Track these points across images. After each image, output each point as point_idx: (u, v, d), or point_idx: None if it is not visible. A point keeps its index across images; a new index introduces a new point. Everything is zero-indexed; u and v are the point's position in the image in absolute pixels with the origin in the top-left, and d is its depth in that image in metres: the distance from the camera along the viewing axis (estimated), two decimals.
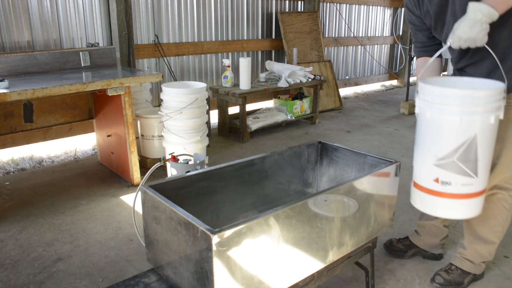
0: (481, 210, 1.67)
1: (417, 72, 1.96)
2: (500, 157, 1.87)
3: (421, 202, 1.69)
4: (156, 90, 4.41)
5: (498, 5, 1.50)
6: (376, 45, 7.48)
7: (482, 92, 1.47)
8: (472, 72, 1.82)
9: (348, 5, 6.69)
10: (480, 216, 1.88)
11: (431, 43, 1.95)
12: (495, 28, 1.62)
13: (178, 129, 3.11)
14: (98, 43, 3.72)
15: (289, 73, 4.62)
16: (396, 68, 8.04)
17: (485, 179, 1.61)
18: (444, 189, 1.59)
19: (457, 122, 1.49)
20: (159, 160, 3.40)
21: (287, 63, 5.26)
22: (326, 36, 6.41)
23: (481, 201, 1.64)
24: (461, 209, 1.62)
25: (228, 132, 4.52)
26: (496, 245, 2.02)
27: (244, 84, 4.31)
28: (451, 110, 1.49)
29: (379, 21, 7.41)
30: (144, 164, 3.53)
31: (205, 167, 2.27)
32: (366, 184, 1.62)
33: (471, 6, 1.51)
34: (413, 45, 2.08)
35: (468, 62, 1.83)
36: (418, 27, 1.93)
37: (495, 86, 1.54)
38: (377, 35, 7.44)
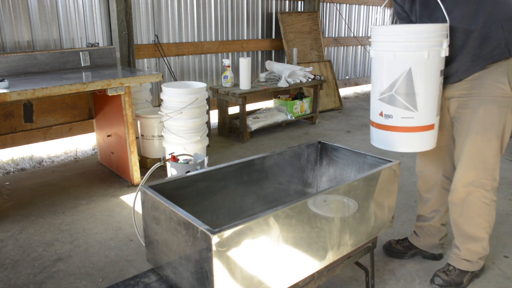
0: (433, 145, 1.81)
1: None
2: (464, 151, 1.89)
3: (375, 138, 1.86)
4: (156, 90, 4.41)
5: None
6: None
7: (414, 27, 1.63)
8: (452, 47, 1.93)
9: (348, 5, 6.69)
10: (464, 216, 1.96)
11: None
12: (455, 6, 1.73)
13: (178, 129, 3.11)
14: (98, 43, 3.72)
15: (289, 73, 4.62)
16: None
17: (428, 114, 1.71)
18: (387, 122, 1.74)
19: (391, 56, 1.64)
20: (159, 160, 3.40)
21: (287, 63, 5.26)
22: (326, 36, 6.41)
23: (429, 136, 1.75)
24: (407, 142, 1.76)
25: (228, 132, 4.52)
26: (487, 239, 2.02)
27: (244, 84, 4.31)
28: (387, 46, 1.65)
29: (379, 21, 7.41)
30: (144, 164, 3.53)
31: (205, 167, 2.27)
32: (366, 184, 1.62)
33: None
34: None
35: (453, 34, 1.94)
36: (400, 15, 2.05)
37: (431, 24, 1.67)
38: None
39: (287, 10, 5.65)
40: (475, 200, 1.92)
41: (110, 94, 2.88)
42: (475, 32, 1.76)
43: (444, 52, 1.65)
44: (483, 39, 1.76)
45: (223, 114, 4.53)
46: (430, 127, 1.74)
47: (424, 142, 1.78)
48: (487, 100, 1.81)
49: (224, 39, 4.98)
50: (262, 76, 4.83)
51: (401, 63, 1.64)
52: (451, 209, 2.02)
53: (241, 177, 1.82)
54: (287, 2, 5.64)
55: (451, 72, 1.88)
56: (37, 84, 2.63)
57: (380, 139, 1.84)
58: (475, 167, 1.88)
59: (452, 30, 1.78)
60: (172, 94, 3.07)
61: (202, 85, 3.26)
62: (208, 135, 3.37)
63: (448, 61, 1.85)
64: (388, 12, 7.55)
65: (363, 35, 7.16)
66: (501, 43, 1.75)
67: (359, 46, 7.08)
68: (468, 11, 1.76)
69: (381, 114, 1.75)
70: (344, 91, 7.05)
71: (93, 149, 4.02)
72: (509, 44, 1.76)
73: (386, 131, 1.77)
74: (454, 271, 2.06)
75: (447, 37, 1.66)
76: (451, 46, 1.80)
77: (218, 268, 1.17)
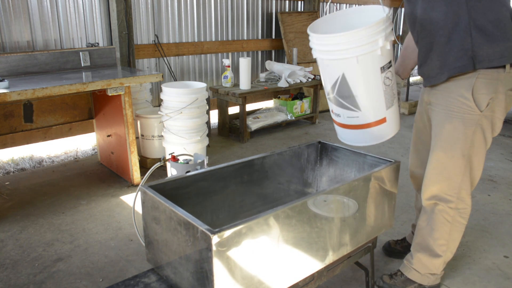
0: (391, 134, 1.75)
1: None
2: (430, 164, 1.84)
3: (338, 133, 1.86)
4: (156, 90, 4.41)
5: None
6: None
7: (343, 36, 1.49)
8: (419, 50, 1.86)
9: (348, 5, 6.69)
10: (429, 226, 1.91)
11: None
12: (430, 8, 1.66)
13: (178, 129, 3.11)
14: (98, 43, 3.72)
15: (289, 73, 4.62)
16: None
17: (373, 111, 1.66)
18: (338, 119, 1.75)
19: (325, 62, 1.60)
20: (159, 160, 3.40)
21: (287, 63, 5.26)
22: None
23: (382, 129, 1.71)
24: (360, 137, 1.75)
25: (228, 132, 4.52)
26: (442, 261, 1.93)
27: (244, 84, 4.31)
28: (320, 53, 1.59)
29: None
30: (144, 164, 3.53)
31: (205, 167, 2.27)
32: (366, 184, 1.62)
33: None
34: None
35: (416, 41, 1.86)
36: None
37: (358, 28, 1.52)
38: None
39: (287, 10, 5.65)
40: (437, 213, 1.86)
41: (110, 94, 2.88)
42: (442, 37, 1.66)
43: (381, 50, 1.51)
44: (450, 46, 1.65)
45: (223, 114, 4.53)
46: (381, 121, 1.68)
47: (379, 135, 1.73)
48: (452, 115, 1.73)
49: (224, 39, 4.98)
50: (262, 76, 4.83)
51: (334, 69, 1.59)
52: (421, 216, 1.97)
53: (241, 177, 1.82)
54: (287, 2, 5.64)
55: (424, 75, 1.84)
56: (37, 84, 2.63)
57: (340, 135, 1.85)
58: (438, 181, 1.82)
59: (422, 29, 1.74)
60: (172, 94, 3.07)
61: (202, 85, 3.26)
62: (208, 135, 3.37)
63: (421, 62, 1.83)
64: (388, 12, 7.54)
65: None
66: (466, 54, 1.62)
67: None
68: (437, 11, 1.66)
69: (332, 111, 1.76)
70: None
71: (93, 149, 4.02)
72: (475, 57, 1.61)
73: (340, 127, 1.79)
74: (400, 277, 2.00)
75: (387, 30, 1.51)
76: (422, 46, 1.78)
77: (218, 268, 1.18)
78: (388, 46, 1.53)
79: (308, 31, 1.61)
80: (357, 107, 1.63)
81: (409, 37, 2.01)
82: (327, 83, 1.67)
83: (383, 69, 1.57)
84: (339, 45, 1.50)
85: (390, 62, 1.59)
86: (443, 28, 1.66)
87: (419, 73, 1.89)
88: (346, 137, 1.80)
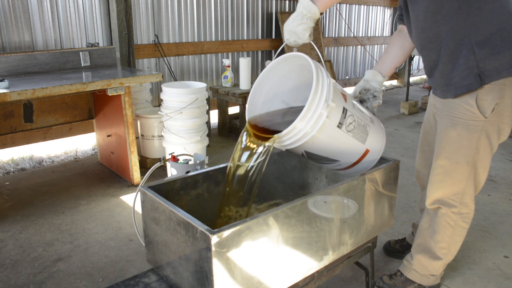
0: (381, 149, 1.69)
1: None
2: (434, 170, 1.83)
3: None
4: (156, 90, 4.41)
5: (321, 1, 1.48)
6: (376, 45, 7.47)
7: (282, 136, 1.39)
8: (423, 60, 1.84)
9: (348, 5, 6.69)
10: (431, 228, 1.90)
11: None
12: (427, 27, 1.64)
13: (178, 129, 3.11)
14: (98, 43, 3.72)
15: None
16: (396, 68, 8.03)
17: (351, 156, 1.60)
18: (328, 167, 1.72)
19: (284, 148, 1.49)
20: (159, 160, 3.40)
21: None
22: (326, 36, 6.41)
23: (367, 159, 1.65)
24: (355, 170, 1.70)
25: (228, 132, 4.52)
26: (443, 263, 1.93)
27: (244, 84, 4.31)
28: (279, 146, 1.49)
29: (379, 21, 7.41)
30: (144, 164, 3.53)
31: (205, 167, 2.27)
32: (366, 183, 1.62)
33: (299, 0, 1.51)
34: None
35: (419, 50, 1.83)
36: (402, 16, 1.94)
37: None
38: (377, 35, 7.44)
39: (287, 10, 5.65)
40: (440, 216, 1.86)
41: (110, 94, 2.88)
42: (445, 56, 1.65)
43: (329, 115, 1.40)
44: (454, 65, 1.64)
45: (223, 114, 4.53)
46: (364, 154, 1.64)
47: (371, 160, 1.68)
48: (456, 122, 1.71)
49: (224, 39, 4.98)
50: None
51: (295, 150, 1.51)
52: (423, 217, 1.97)
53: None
54: (287, 2, 5.63)
55: (432, 84, 1.83)
56: (37, 84, 2.63)
57: (340, 173, 1.82)
58: (442, 187, 1.82)
59: (423, 48, 1.72)
60: (172, 94, 3.07)
61: (202, 85, 3.26)
62: (208, 135, 3.37)
63: (427, 75, 1.82)
64: (388, 12, 7.55)
65: (363, 35, 7.15)
66: (472, 71, 1.60)
67: (359, 46, 7.08)
68: (438, 30, 1.63)
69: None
70: None
71: (93, 149, 4.02)
72: (482, 73, 1.59)
73: (336, 170, 1.76)
74: (400, 277, 2.00)
75: (324, 96, 1.38)
76: (425, 61, 1.76)
77: (217, 268, 1.17)
78: (334, 103, 1.41)
79: (248, 119, 1.52)
80: (335, 160, 1.59)
81: (397, 35, 1.96)
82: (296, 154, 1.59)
83: (340, 124, 1.48)
84: (288, 139, 1.41)
85: (344, 110, 1.49)
86: (445, 47, 1.63)
87: (428, 83, 1.88)
88: (345, 173, 1.77)
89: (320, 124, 1.39)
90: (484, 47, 1.57)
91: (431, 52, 1.72)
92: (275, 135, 1.40)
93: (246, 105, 1.60)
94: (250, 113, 1.58)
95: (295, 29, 1.50)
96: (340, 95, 1.51)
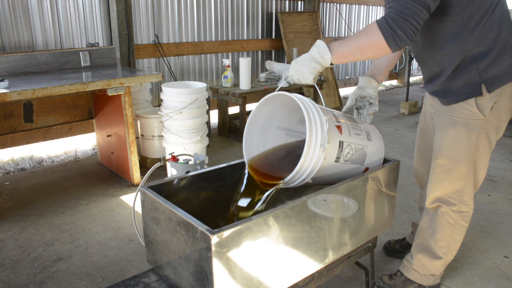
0: (382, 155, 1.75)
1: None
2: (433, 169, 1.83)
3: None
4: (156, 90, 4.41)
5: (338, 52, 1.46)
6: None
7: (286, 182, 1.47)
8: (422, 71, 1.85)
9: (348, 5, 6.69)
10: (430, 228, 1.90)
11: None
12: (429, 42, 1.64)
13: (178, 129, 3.11)
14: (98, 43, 3.72)
15: None
16: (396, 68, 8.04)
17: (351, 177, 1.62)
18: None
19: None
20: (159, 160, 3.40)
21: (287, 63, 5.26)
22: (326, 36, 6.41)
23: (369, 171, 1.68)
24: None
25: (228, 132, 4.52)
26: (443, 263, 1.93)
27: (244, 84, 4.31)
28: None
29: None
30: (144, 164, 3.53)
31: (205, 167, 2.27)
32: (366, 183, 1.62)
33: (317, 41, 1.51)
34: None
35: (419, 63, 1.84)
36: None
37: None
38: None
39: (287, 10, 5.65)
40: (440, 215, 1.86)
41: (110, 94, 2.88)
42: (449, 70, 1.66)
43: (326, 155, 1.44)
44: (456, 76, 1.66)
45: (223, 114, 4.53)
46: (365, 171, 1.68)
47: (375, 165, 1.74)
48: (455, 121, 1.72)
49: (224, 39, 4.98)
50: (262, 76, 4.82)
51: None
52: (423, 216, 1.96)
53: (241, 177, 1.82)
54: (287, 2, 5.63)
55: (429, 90, 1.82)
56: (37, 84, 2.63)
57: None
58: (442, 186, 1.82)
59: (423, 61, 1.73)
60: (172, 94, 3.07)
61: (202, 85, 3.26)
62: (208, 135, 3.37)
63: (427, 80, 1.81)
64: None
65: None
66: (474, 81, 1.63)
67: None
68: (440, 47, 1.64)
69: None
70: (344, 91, 7.05)
71: (93, 149, 4.02)
72: (485, 82, 1.61)
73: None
74: (400, 277, 2.00)
75: (319, 141, 1.41)
76: (425, 72, 1.77)
77: (217, 268, 1.17)
78: (330, 143, 1.43)
79: (247, 162, 1.60)
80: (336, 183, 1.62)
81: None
82: None
83: (338, 159, 1.51)
84: (289, 183, 1.50)
85: (340, 144, 1.50)
86: (450, 62, 1.64)
87: (426, 88, 1.88)
88: None
89: (318, 168, 1.44)
90: (486, 57, 1.60)
91: (433, 66, 1.73)
92: (279, 183, 1.49)
93: (243, 145, 1.65)
94: (248, 151, 1.64)
95: (302, 69, 1.50)
96: (335, 129, 1.51)
